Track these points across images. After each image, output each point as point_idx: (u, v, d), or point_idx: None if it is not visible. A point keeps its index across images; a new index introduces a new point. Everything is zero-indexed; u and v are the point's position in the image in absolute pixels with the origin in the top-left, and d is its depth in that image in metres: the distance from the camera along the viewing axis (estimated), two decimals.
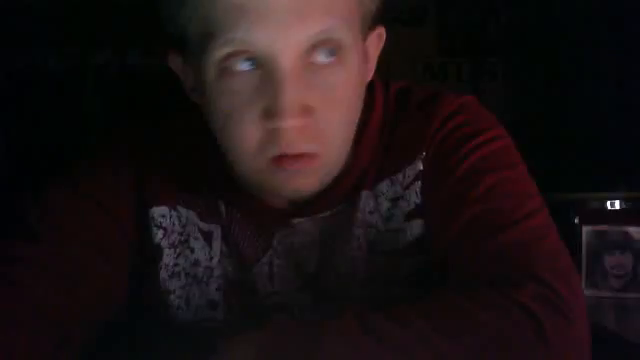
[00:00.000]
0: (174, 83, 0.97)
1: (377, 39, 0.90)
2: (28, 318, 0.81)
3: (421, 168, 0.89)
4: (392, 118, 0.90)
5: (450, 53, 3.17)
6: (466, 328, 0.74)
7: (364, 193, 0.90)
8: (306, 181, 0.83)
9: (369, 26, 0.86)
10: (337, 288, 0.91)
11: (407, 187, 0.90)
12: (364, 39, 0.86)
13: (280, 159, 0.80)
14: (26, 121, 2.44)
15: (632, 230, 1.79)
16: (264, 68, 0.78)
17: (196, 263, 0.92)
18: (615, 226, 1.81)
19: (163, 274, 0.92)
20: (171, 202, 0.91)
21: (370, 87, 0.90)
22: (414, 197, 0.89)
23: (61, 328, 0.83)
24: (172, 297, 0.92)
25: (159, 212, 0.91)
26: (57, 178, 0.92)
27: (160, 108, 0.97)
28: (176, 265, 0.92)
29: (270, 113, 0.78)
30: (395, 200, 0.90)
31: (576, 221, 1.83)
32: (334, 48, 0.80)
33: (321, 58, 0.80)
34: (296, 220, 0.91)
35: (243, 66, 0.79)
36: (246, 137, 0.80)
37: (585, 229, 1.81)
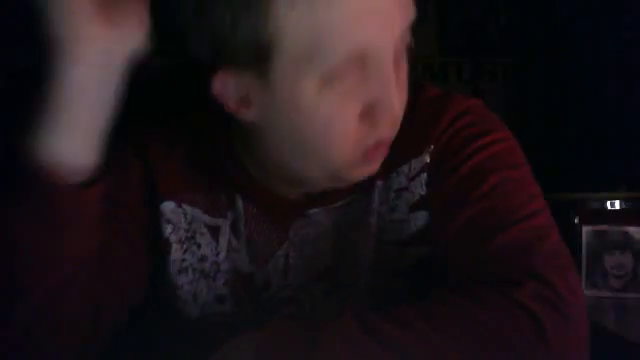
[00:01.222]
0: (174, 83, 0.96)
1: None
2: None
3: (428, 161, 0.90)
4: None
5: (450, 53, 3.17)
6: (466, 328, 0.74)
7: (379, 183, 0.91)
8: (374, 167, 0.86)
9: None
10: (350, 278, 0.92)
11: (412, 179, 0.90)
12: None
13: (369, 151, 0.82)
14: (26, 121, 2.44)
15: (632, 230, 1.79)
16: (367, 65, 0.77)
17: (203, 259, 0.93)
18: (615, 226, 1.81)
19: (172, 269, 0.92)
20: (178, 199, 0.92)
21: None
22: (419, 189, 0.90)
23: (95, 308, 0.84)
24: (180, 292, 0.93)
25: (168, 207, 0.91)
26: None
27: (160, 107, 0.97)
28: (184, 261, 0.93)
29: (379, 106, 0.78)
30: (399, 191, 0.91)
31: (576, 221, 1.83)
32: (407, 36, 0.81)
33: (401, 46, 0.81)
34: (311, 210, 0.92)
35: (346, 69, 0.76)
36: (348, 135, 0.80)
37: (585, 229, 1.81)
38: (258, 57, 0.76)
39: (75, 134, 0.75)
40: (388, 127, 0.82)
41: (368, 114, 0.79)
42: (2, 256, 0.76)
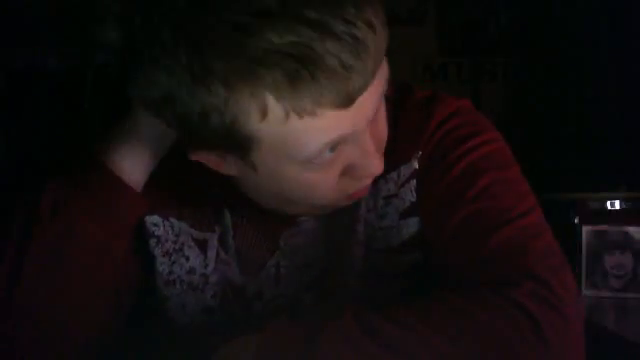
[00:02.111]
0: None
1: None
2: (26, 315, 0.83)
3: (416, 167, 0.90)
4: (391, 116, 0.90)
5: (450, 53, 3.17)
6: (465, 329, 0.74)
7: None
8: (359, 198, 0.88)
9: None
10: (340, 286, 0.91)
11: (402, 185, 0.90)
12: None
13: (352, 194, 0.85)
14: (26, 121, 2.44)
15: (632, 230, 1.79)
16: (345, 141, 0.78)
17: (191, 271, 0.92)
18: (615, 226, 1.81)
19: (158, 281, 0.92)
20: (164, 213, 0.91)
21: None
22: (409, 195, 0.90)
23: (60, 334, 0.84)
24: (168, 304, 0.92)
25: (151, 221, 0.91)
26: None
27: None
28: (171, 273, 0.92)
29: (359, 169, 0.81)
30: (388, 198, 0.90)
31: (576, 221, 1.83)
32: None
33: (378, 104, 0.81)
34: (300, 219, 0.92)
35: (325, 151, 0.77)
36: (330, 190, 0.82)
37: (585, 229, 1.81)
38: (232, 147, 0.77)
39: (137, 156, 0.86)
40: (369, 179, 0.85)
41: (349, 172, 0.81)
42: (60, 238, 0.84)
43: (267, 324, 0.76)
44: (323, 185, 0.81)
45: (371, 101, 0.76)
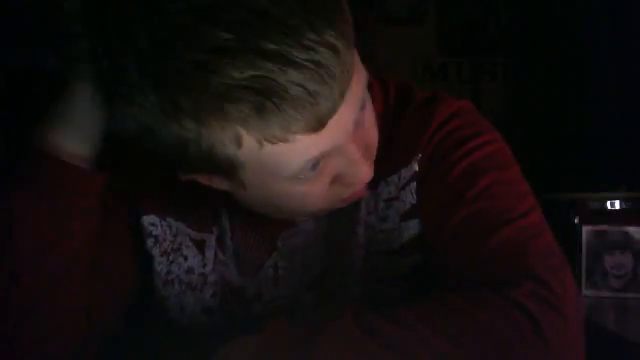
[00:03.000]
0: None
1: None
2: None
3: (417, 169, 0.90)
4: (392, 117, 0.90)
5: (450, 53, 3.17)
6: (465, 329, 0.74)
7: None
8: (358, 198, 0.87)
9: None
10: (340, 287, 0.91)
11: (402, 188, 0.90)
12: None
13: (345, 199, 0.85)
14: (26, 121, 2.44)
15: (632, 230, 1.79)
16: (330, 154, 0.77)
17: (189, 271, 0.92)
18: (615, 226, 1.81)
19: (157, 281, 0.92)
20: (161, 213, 0.91)
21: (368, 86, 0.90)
22: (410, 198, 0.90)
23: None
24: (167, 304, 0.92)
25: (149, 220, 0.91)
26: None
27: None
28: (169, 273, 0.92)
29: (348, 176, 0.80)
30: (389, 201, 0.90)
31: (576, 221, 1.83)
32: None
33: (360, 109, 0.80)
34: (299, 219, 0.92)
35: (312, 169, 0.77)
36: (321, 198, 0.82)
37: (585, 229, 1.81)
38: (216, 170, 0.76)
39: (76, 129, 0.83)
40: (360, 185, 0.84)
41: (339, 180, 0.81)
42: (3, 238, 0.81)
43: (266, 324, 0.76)
44: (314, 195, 0.81)
45: (348, 116, 0.75)
